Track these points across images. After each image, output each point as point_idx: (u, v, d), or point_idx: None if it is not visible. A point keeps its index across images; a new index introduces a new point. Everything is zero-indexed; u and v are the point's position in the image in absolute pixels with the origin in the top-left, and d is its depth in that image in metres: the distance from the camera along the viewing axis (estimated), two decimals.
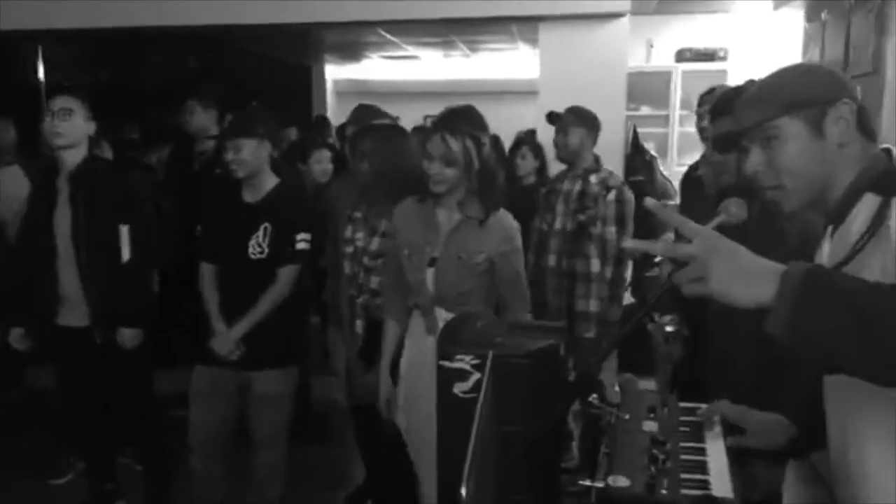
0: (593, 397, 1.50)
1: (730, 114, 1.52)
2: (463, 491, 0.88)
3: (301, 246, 2.65)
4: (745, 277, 0.95)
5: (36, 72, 6.55)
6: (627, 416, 1.46)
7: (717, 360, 1.95)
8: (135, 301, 2.81)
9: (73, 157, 2.80)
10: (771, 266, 0.96)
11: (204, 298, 2.72)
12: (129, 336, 2.79)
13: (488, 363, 1.27)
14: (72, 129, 2.77)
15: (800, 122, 1.16)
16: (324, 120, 6.75)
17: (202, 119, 3.75)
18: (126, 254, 2.78)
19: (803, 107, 1.16)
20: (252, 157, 2.59)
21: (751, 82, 2.04)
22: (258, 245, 2.61)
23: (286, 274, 2.65)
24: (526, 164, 3.93)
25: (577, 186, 3.38)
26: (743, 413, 1.44)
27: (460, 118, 2.20)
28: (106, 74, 6.76)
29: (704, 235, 1.01)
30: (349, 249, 2.61)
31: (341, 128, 6.03)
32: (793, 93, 1.18)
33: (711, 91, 2.96)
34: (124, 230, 2.79)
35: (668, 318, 2.40)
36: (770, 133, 1.18)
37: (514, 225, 2.25)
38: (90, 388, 2.96)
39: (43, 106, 5.46)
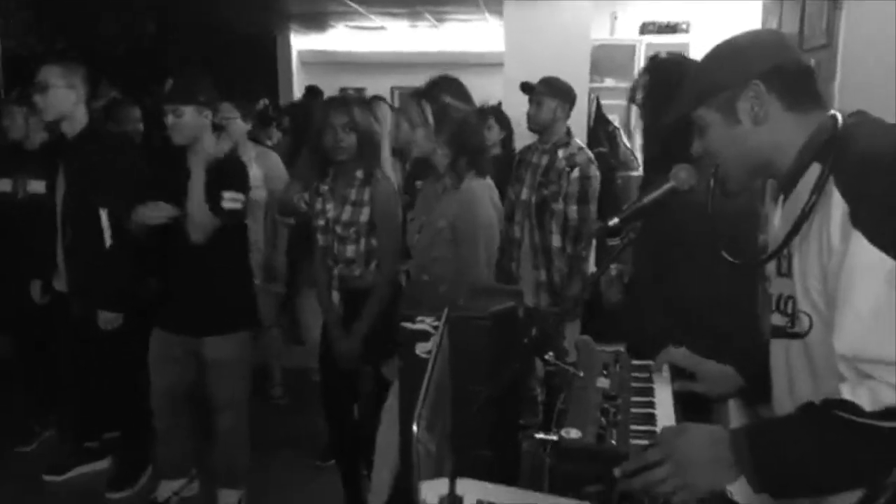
0: (549, 356, 1.56)
1: None
2: (414, 427, 0.93)
3: (229, 205, 2.61)
4: (705, 469, 1.09)
5: None
6: (582, 374, 1.53)
7: (667, 313, 2.00)
8: (113, 285, 2.79)
9: (69, 129, 2.79)
10: (720, 447, 1.09)
11: None
12: (105, 319, 2.81)
13: (443, 318, 1.32)
14: (50, 103, 2.75)
15: (713, 111, 1.19)
16: (314, 90, 6.59)
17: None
18: (108, 238, 2.76)
19: (713, 95, 1.18)
20: (192, 123, 2.57)
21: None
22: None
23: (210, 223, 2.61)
24: (491, 135, 3.95)
25: (545, 160, 3.38)
26: (695, 361, 1.51)
27: (429, 85, 2.23)
28: (62, 42, 6.58)
29: (664, 439, 1.16)
30: (321, 222, 2.63)
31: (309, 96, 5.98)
32: (703, 83, 1.21)
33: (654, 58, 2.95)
34: (103, 214, 2.77)
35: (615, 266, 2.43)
36: (697, 122, 1.23)
37: (483, 194, 2.24)
38: (69, 352, 3.01)
39: None
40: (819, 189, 1.07)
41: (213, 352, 2.71)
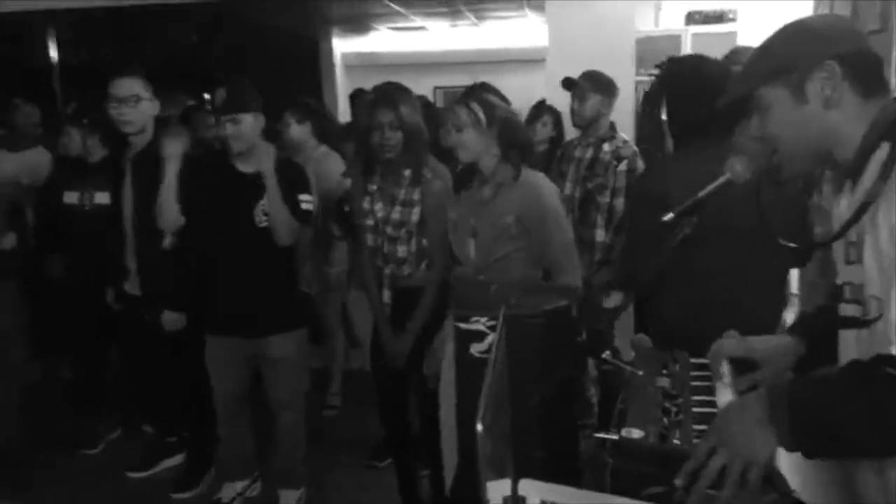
0: (607, 355, 1.54)
1: None
2: (479, 426, 0.92)
3: (305, 206, 2.69)
4: (745, 437, 1.05)
5: (47, 52, 6.58)
6: (641, 373, 1.50)
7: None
8: (176, 286, 2.85)
9: (140, 141, 2.89)
10: (756, 407, 1.05)
11: None
12: (169, 319, 2.88)
13: (500, 319, 1.30)
14: (140, 116, 2.85)
15: (781, 89, 1.16)
16: (362, 92, 6.66)
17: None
18: (167, 241, 2.84)
19: (782, 73, 1.15)
20: (250, 130, 2.63)
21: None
22: (264, 213, 2.65)
23: (292, 226, 2.68)
24: (545, 131, 3.94)
25: (589, 154, 3.37)
26: (747, 345, 1.44)
27: (469, 90, 2.27)
28: (109, 52, 6.76)
29: (710, 427, 1.12)
30: (369, 222, 2.63)
31: (353, 99, 6.02)
32: (772, 60, 1.18)
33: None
34: None
35: None
36: (759, 102, 1.19)
37: (546, 184, 2.27)
38: (140, 354, 3.11)
39: (56, 85, 5.53)
40: (889, 167, 1.04)
41: (274, 351, 2.75)
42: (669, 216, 1.53)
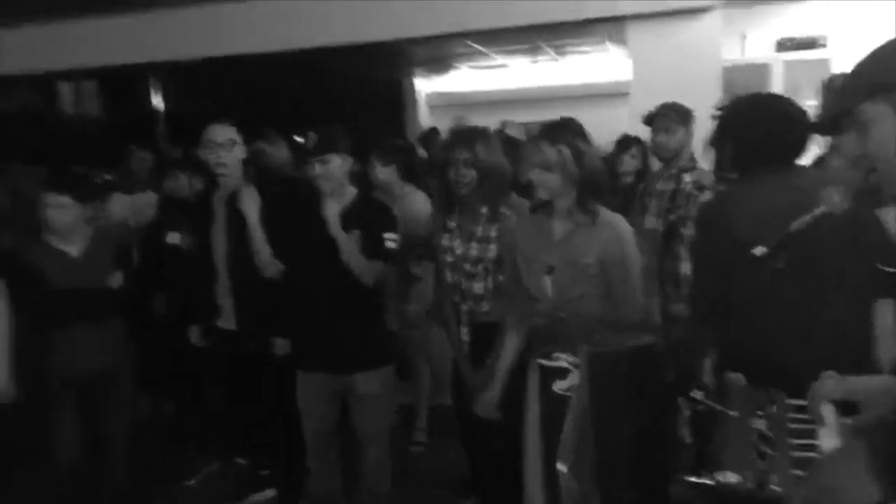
0: (697, 394, 1.50)
1: None
2: (560, 465, 0.92)
3: (390, 245, 2.74)
4: (850, 489, 1.02)
5: (150, 102, 7.06)
6: (734, 413, 1.45)
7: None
8: (284, 313, 2.96)
9: (230, 181, 3.06)
10: (858, 458, 1.04)
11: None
12: (281, 345, 2.99)
13: (583, 357, 1.29)
14: (234, 159, 3.04)
15: (882, 106, 1.12)
16: (434, 132, 6.84)
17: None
18: (272, 269, 2.95)
19: (884, 90, 1.12)
20: (338, 170, 2.73)
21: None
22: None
23: (374, 265, 2.73)
24: (633, 163, 3.91)
25: (671, 185, 3.31)
26: (847, 386, 1.35)
27: (557, 127, 2.26)
28: (210, 101, 7.15)
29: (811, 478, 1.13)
30: (449, 258, 2.67)
31: (426, 137, 6.17)
32: (876, 76, 1.15)
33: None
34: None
35: None
36: (858, 118, 1.16)
37: (625, 226, 2.26)
38: (240, 385, 3.22)
39: (159, 133, 5.90)
40: None
41: (361, 387, 2.78)
42: (761, 250, 1.48)
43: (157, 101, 7.12)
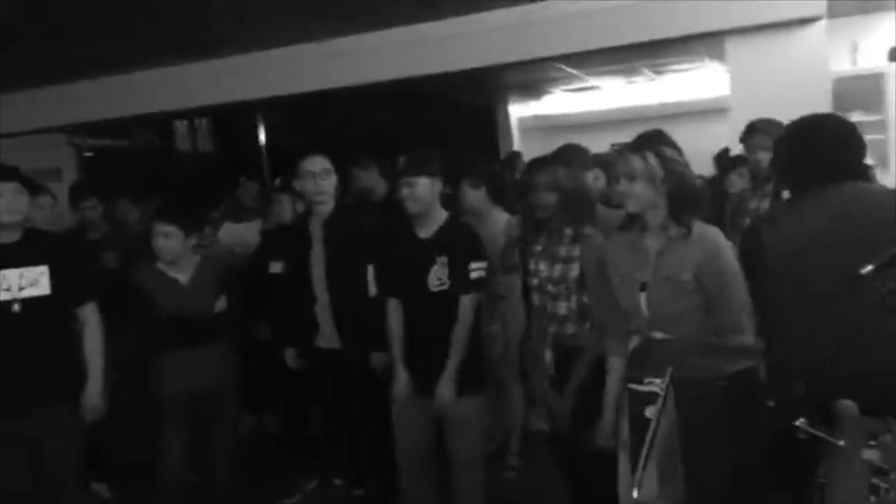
0: (801, 422, 1.41)
1: None
2: (634, 493, 0.88)
3: (476, 275, 2.76)
4: None
5: (257, 136, 7.45)
6: (843, 444, 1.36)
7: None
8: (382, 329, 3.03)
9: (326, 207, 3.20)
10: None
11: (390, 335, 2.93)
12: (379, 359, 3.07)
13: (667, 378, 1.25)
14: (330, 186, 3.19)
15: None
16: (516, 155, 6.88)
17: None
18: (373, 289, 3.08)
19: None
20: (425, 193, 2.77)
21: None
22: (437, 278, 2.76)
23: (465, 305, 2.77)
24: (741, 183, 3.78)
25: (766, 204, 3.17)
26: None
27: (643, 138, 2.22)
28: (310, 133, 7.47)
29: None
30: (534, 282, 2.65)
31: (509, 161, 6.18)
32: None
33: None
34: (370, 269, 3.09)
35: None
36: None
37: (722, 241, 2.18)
38: (339, 404, 3.33)
39: (264, 165, 6.21)
40: None
41: (456, 413, 2.79)
42: (868, 269, 1.39)
43: (262, 135, 7.50)
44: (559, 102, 8.64)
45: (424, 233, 2.86)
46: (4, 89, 5.45)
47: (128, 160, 7.60)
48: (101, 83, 5.48)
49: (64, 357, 2.75)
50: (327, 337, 3.25)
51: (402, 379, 2.90)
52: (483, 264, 2.80)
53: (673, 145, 2.21)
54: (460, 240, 2.81)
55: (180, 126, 8.52)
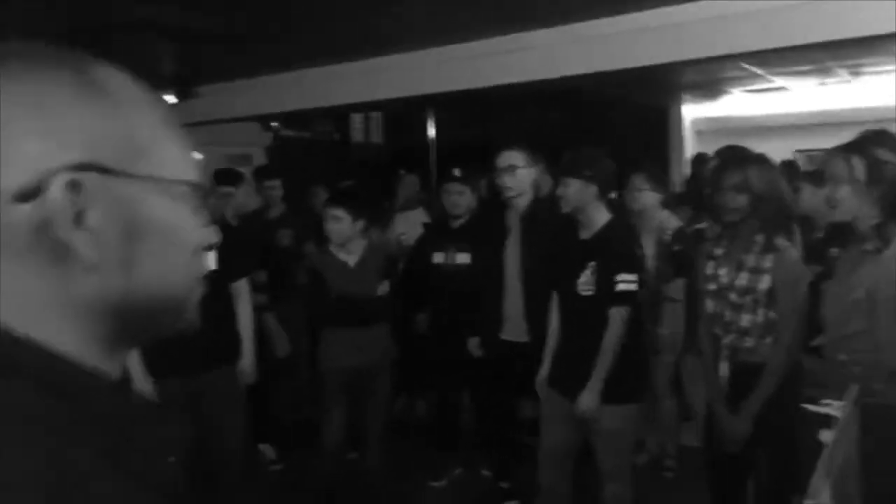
0: None
1: None
2: None
3: (621, 287, 2.64)
4: None
5: (426, 132, 7.69)
6: None
7: None
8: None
9: (522, 202, 3.29)
10: None
11: (549, 329, 2.95)
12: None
13: (852, 399, 1.15)
14: (517, 182, 3.26)
15: None
16: (703, 157, 6.58)
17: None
18: None
19: None
20: (576, 194, 2.72)
21: None
22: (587, 282, 2.71)
23: (614, 317, 2.67)
24: None
25: None
26: None
27: (858, 139, 2.03)
28: (480, 131, 7.59)
29: None
30: (712, 287, 2.52)
31: (695, 162, 5.90)
32: None
33: None
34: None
35: None
36: None
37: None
38: (495, 397, 3.44)
39: (432, 160, 6.44)
40: None
41: (604, 421, 2.72)
42: None
43: (431, 130, 7.72)
44: (738, 104, 8.14)
45: (584, 234, 2.82)
46: (209, 81, 6.03)
47: (307, 148, 8.16)
48: (291, 76, 5.91)
49: (224, 326, 3.05)
50: (514, 329, 3.29)
51: (543, 373, 2.90)
52: (632, 277, 2.66)
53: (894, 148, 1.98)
54: (611, 248, 2.73)
55: (356, 119, 8.99)
